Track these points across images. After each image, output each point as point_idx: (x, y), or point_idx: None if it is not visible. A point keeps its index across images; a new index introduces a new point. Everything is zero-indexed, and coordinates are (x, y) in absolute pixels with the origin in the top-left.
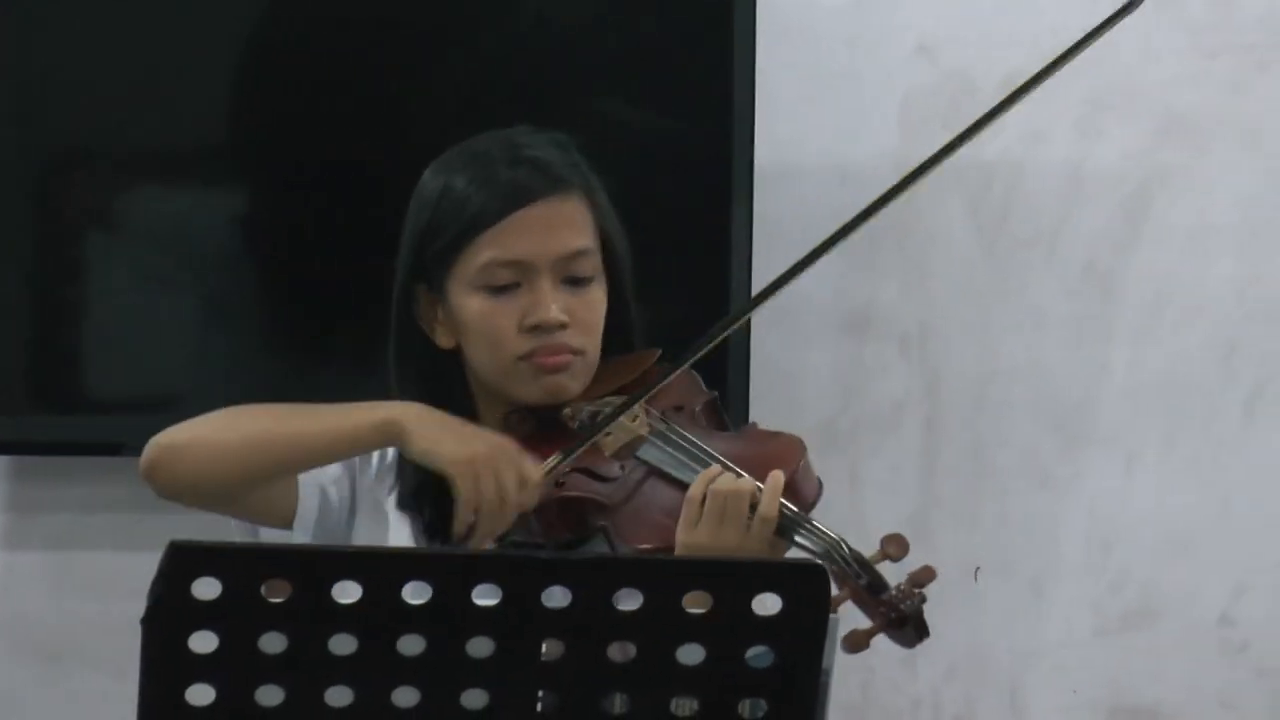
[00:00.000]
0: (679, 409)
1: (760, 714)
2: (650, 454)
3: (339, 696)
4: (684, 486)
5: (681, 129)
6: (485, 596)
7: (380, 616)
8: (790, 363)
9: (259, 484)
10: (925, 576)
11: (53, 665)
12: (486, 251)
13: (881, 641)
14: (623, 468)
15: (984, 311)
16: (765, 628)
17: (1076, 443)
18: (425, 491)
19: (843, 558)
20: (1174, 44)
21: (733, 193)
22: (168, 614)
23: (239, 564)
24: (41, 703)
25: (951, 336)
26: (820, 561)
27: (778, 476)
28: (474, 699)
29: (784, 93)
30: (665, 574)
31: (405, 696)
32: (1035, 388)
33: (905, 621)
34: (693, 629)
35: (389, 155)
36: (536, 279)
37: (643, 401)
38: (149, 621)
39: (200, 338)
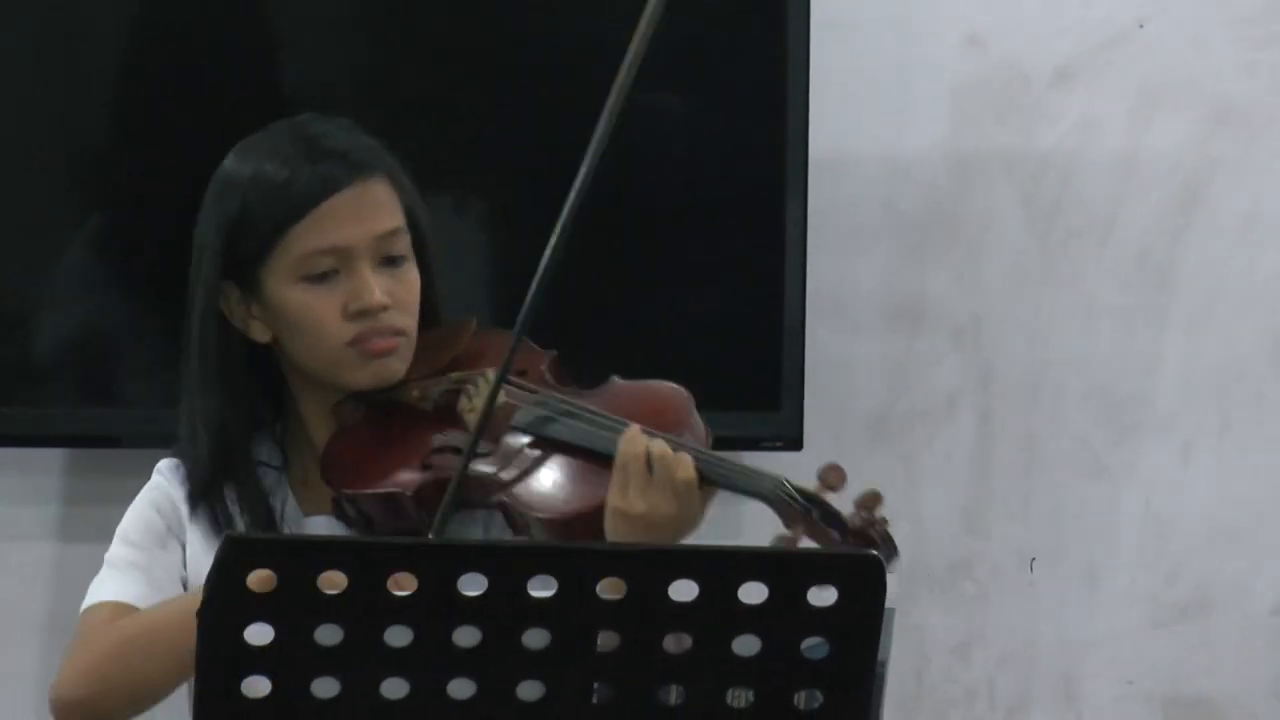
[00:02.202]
0: (523, 373)
1: (816, 705)
2: (534, 425)
3: (394, 689)
4: (577, 450)
5: (735, 122)
6: (541, 588)
7: (436, 608)
8: (844, 354)
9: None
10: (874, 501)
11: None
12: (302, 242)
13: (937, 632)
14: (496, 441)
15: (1037, 302)
16: (821, 619)
17: (1131, 433)
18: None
19: (788, 495)
20: (1226, 34)
21: (787, 185)
22: (223, 606)
23: (293, 556)
24: None
25: (1005, 327)
26: (767, 501)
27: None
28: (530, 690)
29: (835, 85)
30: (721, 565)
31: (461, 688)
32: (1089, 378)
33: (875, 547)
34: (748, 620)
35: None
36: (355, 264)
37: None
38: (204, 613)
39: None
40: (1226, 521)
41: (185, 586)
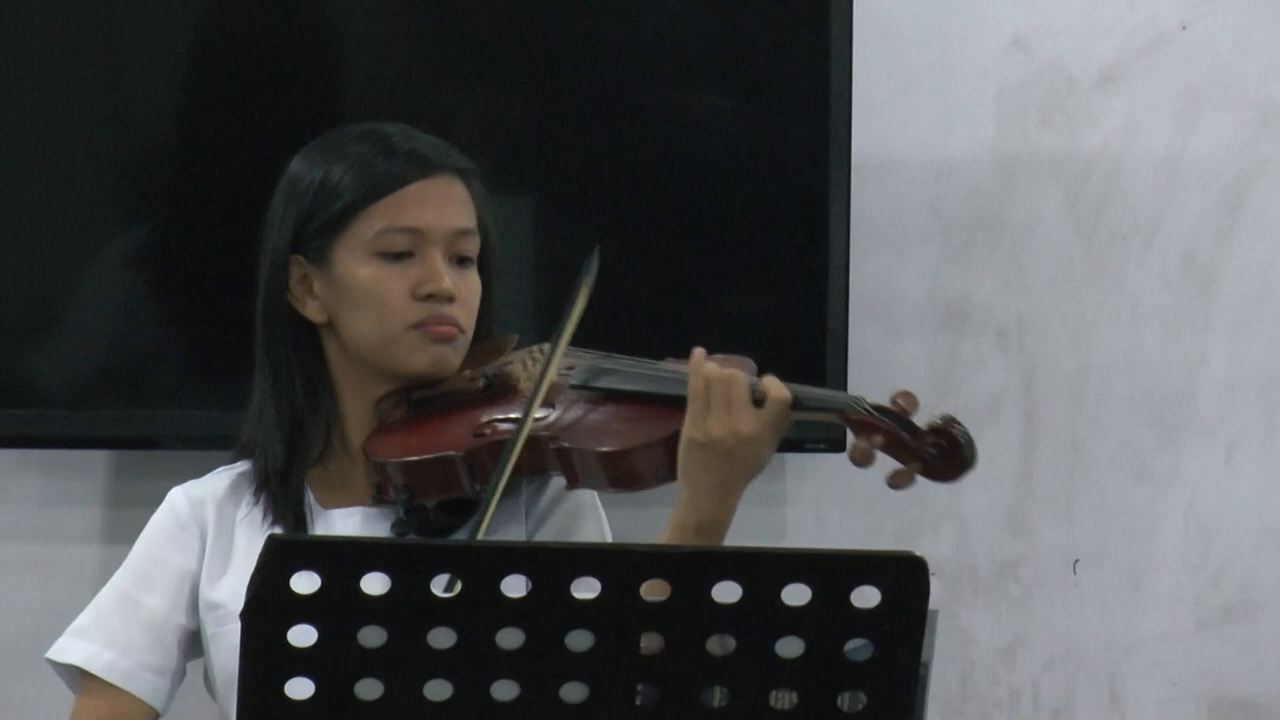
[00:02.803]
0: (570, 368)
1: (859, 707)
2: (594, 379)
3: (438, 690)
4: (634, 395)
5: (779, 124)
6: (584, 590)
7: (479, 610)
8: (888, 357)
9: None
10: (948, 418)
11: None
12: (382, 218)
13: (981, 634)
14: (556, 405)
15: (1082, 304)
16: (864, 621)
17: (1175, 435)
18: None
19: (865, 408)
20: (1270, 35)
21: (830, 187)
22: (267, 608)
23: (338, 558)
24: None
25: (1049, 330)
26: (838, 417)
27: (770, 377)
28: (573, 693)
29: (880, 87)
30: (765, 567)
31: (504, 690)
32: (1134, 380)
33: (958, 444)
34: (792, 622)
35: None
36: (430, 249)
37: (541, 350)
38: (249, 615)
39: None
40: (1271, 523)
41: (193, 632)
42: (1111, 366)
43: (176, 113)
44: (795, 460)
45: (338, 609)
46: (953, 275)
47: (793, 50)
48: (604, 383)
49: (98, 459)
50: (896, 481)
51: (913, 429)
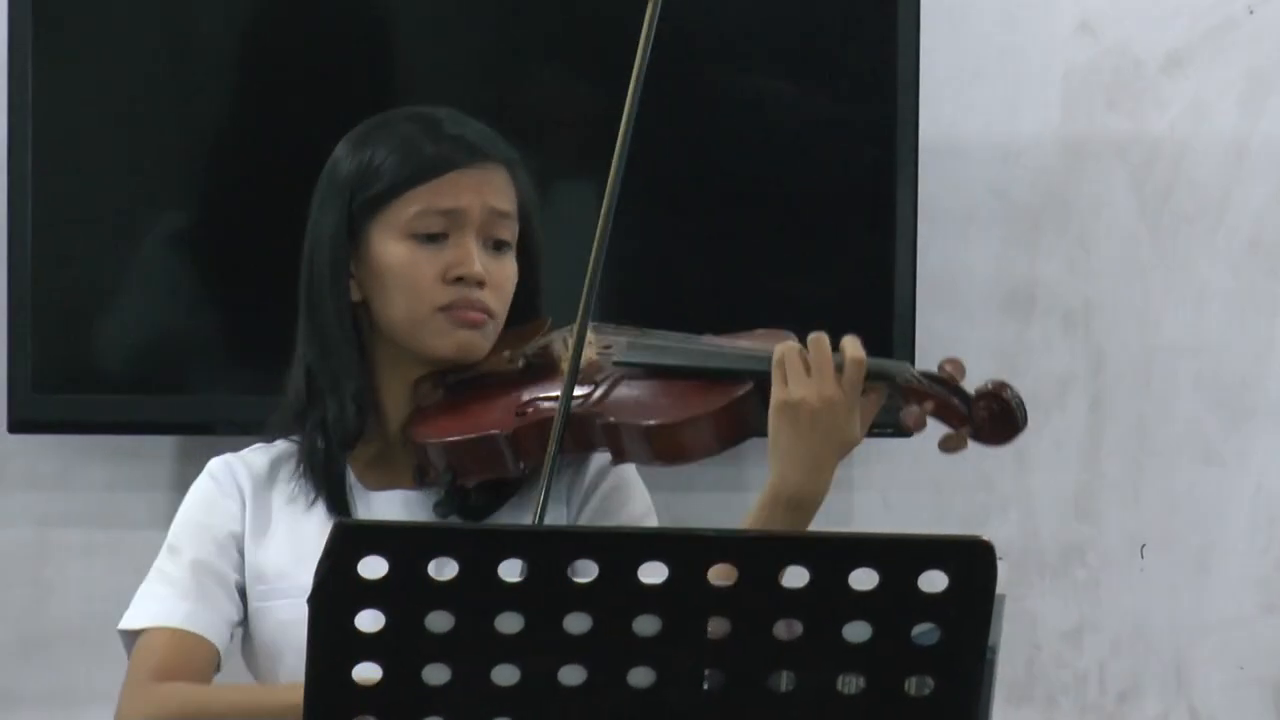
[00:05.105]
0: (607, 348)
1: (926, 691)
2: (636, 356)
3: (505, 675)
4: (680, 369)
5: (847, 108)
6: (651, 574)
7: (546, 595)
8: (954, 340)
9: None
10: (999, 383)
11: None
12: (422, 200)
13: (1048, 618)
14: (594, 382)
15: (1148, 288)
16: (932, 605)
17: (1242, 419)
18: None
19: (915, 376)
20: None
21: (898, 171)
22: (334, 593)
23: (405, 543)
24: None
25: (1116, 313)
26: (895, 378)
27: (846, 337)
28: (640, 677)
29: (947, 71)
30: (832, 551)
31: (571, 675)
32: (1200, 364)
33: (1008, 407)
34: (859, 606)
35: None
36: (464, 233)
37: (591, 327)
38: (316, 600)
39: None
40: None
41: (241, 588)
42: (1178, 350)
43: (232, 97)
44: (862, 445)
45: (405, 594)
46: (1019, 259)
47: (860, 34)
48: (646, 358)
49: (163, 444)
50: (948, 446)
51: (963, 394)
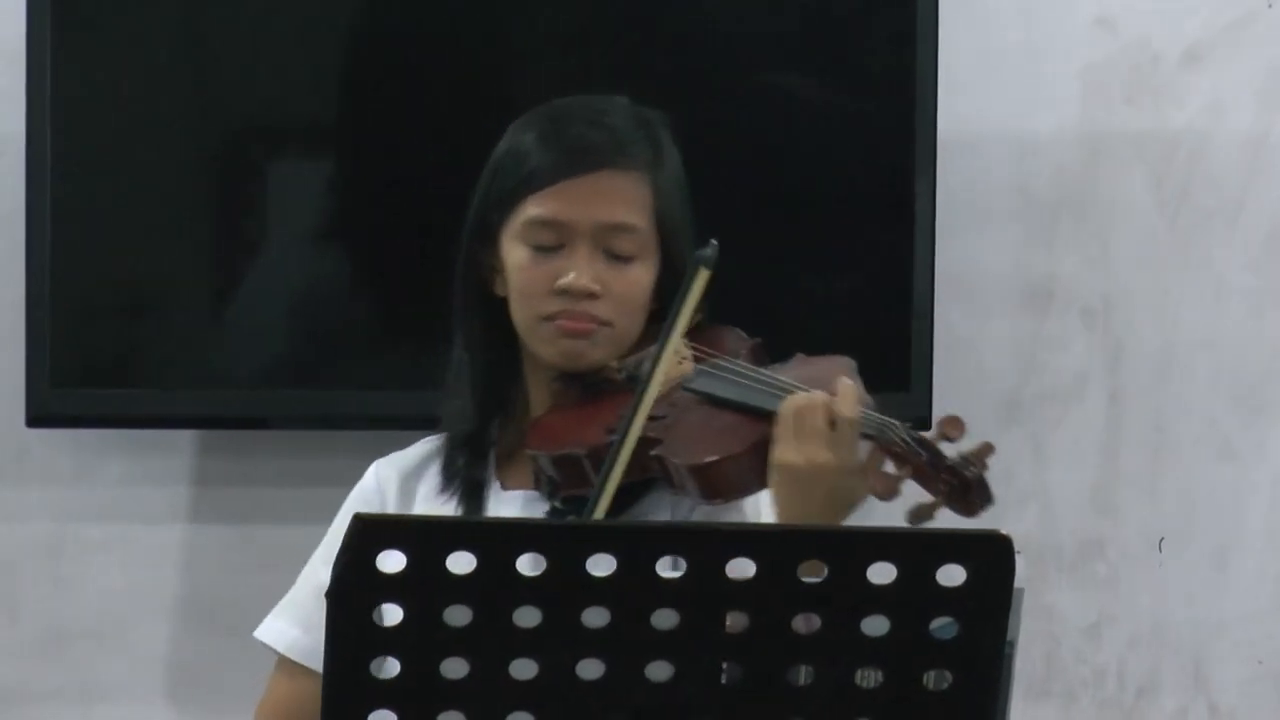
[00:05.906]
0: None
1: (945, 686)
2: (698, 383)
3: (524, 669)
4: (736, 406)
5: (865, 103)
6: (669, 569)
7: (565, 589)
8: (973, 336)
9: None
10: (985, 452)
11: (232, 638)
12: (533, 209)
13: (1066, 613)
14: (673, 405)
15: (1166, 283)
16: (950, 599)
17: (1260, 414)
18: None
19: (902, 439)
20: None
21: (916, 166)
22: (353, 587)
23: (424, 537)
24: (221, 676)
25: (1134, 309)
26: (876, 439)
27: (845, 382)
28: (658, 671)
29: (965, 66)
30: (850, 545)
31: (590, 669)
32: (1218, 359)
33: (969, 488)
34: (877, 601)
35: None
36: (575, 244)
37: (687, 344)
38: (334, 595)
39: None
40: None
41: None
42: (1196, 345)
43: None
44: None
45: (424, 588)
46: (1038, 254)
47: (879, 29)
48: (702, 386)
49: (183, 439)
50: (916, 516)
51: (938, 463)
